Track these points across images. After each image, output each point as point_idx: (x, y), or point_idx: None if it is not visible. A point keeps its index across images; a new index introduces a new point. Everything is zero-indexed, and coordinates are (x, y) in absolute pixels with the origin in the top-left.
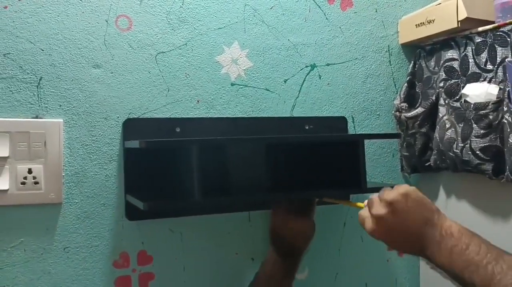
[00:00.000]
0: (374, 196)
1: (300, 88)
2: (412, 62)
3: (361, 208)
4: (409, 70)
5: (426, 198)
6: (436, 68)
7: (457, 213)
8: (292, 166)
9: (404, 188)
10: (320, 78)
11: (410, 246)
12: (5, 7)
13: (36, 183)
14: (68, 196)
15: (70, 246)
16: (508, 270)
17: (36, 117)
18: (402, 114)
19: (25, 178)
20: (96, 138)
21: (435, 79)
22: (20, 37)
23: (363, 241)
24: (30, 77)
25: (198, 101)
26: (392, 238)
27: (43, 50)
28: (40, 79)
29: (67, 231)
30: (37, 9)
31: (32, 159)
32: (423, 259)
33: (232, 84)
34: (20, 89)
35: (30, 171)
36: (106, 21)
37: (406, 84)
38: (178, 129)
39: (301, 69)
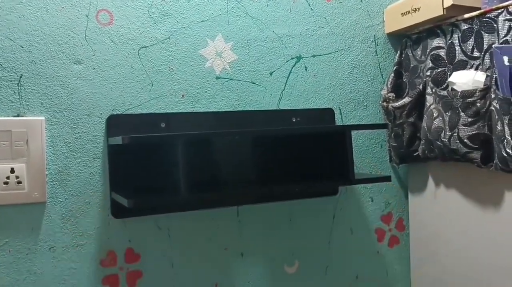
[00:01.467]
0: None
1: (286, 81)
2: (399, 51)
3: None
4: (396, 60)
5: None
6: (423, 57)
7: (446, 202)
8: (279, 159)
9: None
10: (306, 70)
11: None
12: None
13: (19, 182)
14: (52, 195)
15: (56, 245)
16: None
17: (18, 115)
18: (390, 104)
19: (7, 177)
20: (79, 135)
21: (422, 68)
22: None
23: (352, 233)
24: (10, 75)
25: (183, 95)
26: None
27: (22, 47)
28: (20, 77)
29: (53, 231)
30: (16, 5)
31: (14, 158)
32: None
33: (217, 78)
34: (0, 87)
35: (12, 171)
36: (87, 16)
37: (393, 74)
38: (163, 125)
39: (287, 61)
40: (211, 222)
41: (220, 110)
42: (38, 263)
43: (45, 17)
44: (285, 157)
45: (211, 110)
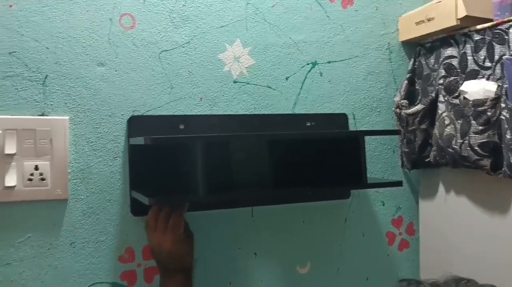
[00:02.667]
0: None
1: (302, 86)
2: (412, 59)
3: None
4: (409, 68)
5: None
6: (436, 65)
7: (456, 208)
8: (294, 162)
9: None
10: (321, 75)
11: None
12: (10, 6)
13: (42, 179)
14: (74, 192)
15: (76, 241)
16: None
17: (42, 115)
18: (402, 111)
19: (31, 174)
20: (101, 135)
21: (435, 76)
22: (25, 36)
23: (364, 236)
24: (36, 75)
25: (201, 98)
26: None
27: (48, 49)
28: (45, 77)
29: (73, 227)
30: (42, 7)
31: (38, 155)
32: None
33: (235, 82)
34: (26, 87)
35: (36, 168)
36: (110, 20)
37: (406, 81)
38: (181, 126)
39: (303, 67)
40: (226, 221)
41: (236, 113)
42: (59, 258)
43: (70, 20)
44: (299, 160)
45: (228, 113)
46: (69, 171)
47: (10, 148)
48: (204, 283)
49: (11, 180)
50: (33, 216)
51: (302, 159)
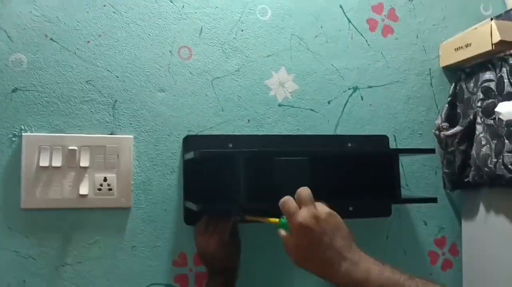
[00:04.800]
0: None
1: (343, 109)
2: (453, 84)
3: (276, 223)
4: (450, 92)
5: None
6: (475, 89)
7: (497, 228)
8: (334, 181)
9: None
10: (362, 99)
11: (324, 261)
12: (88, 42)
13: (110, 189)
14: (136, 202)
15: (137, 245)
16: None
17: (111, 133)
18: (442, 132)
19: (101, 185)
20: (160, 152)
21: (474, 99)
22: (100, 67)
23: (406, 254)
24: (107, 100)
25: (248, 120)
26: (311, 250)
27: (118, 77)
28: (115, 102)
29: (135, 232)
30: (114, 42)
31: (107, 168)
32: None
33: (280, 105)
34: (99, 110)
35: (105, 179)
36: (170, 52)
37: (447, 104)
38: (230, 145)
39: (344, 91)
40: (266, 231)
41: (281, 133)
42: (122, 260)
43: (136, 53)
44: (339, 179)
45: (273, 134)
46: (132, 182)
47: (85, 162)
48: None
49: (84, 189)
50: (101, 221)
51: (342, 178)
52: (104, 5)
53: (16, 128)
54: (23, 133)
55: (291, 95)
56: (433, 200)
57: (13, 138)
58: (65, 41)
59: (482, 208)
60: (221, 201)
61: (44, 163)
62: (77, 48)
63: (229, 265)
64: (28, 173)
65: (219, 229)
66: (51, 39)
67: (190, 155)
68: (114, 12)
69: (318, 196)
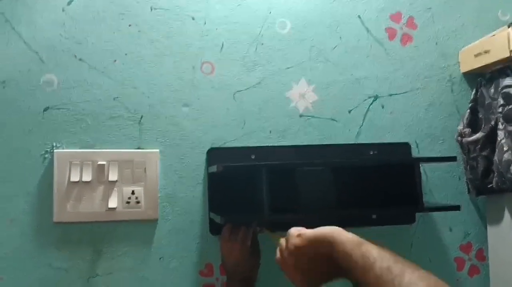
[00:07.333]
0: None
1: (364, 117)
2: (475, 89)
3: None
4: (471, 97)
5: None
6: (496, 95)
7: None
8: (357, 189)
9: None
10: (383, 107)
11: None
12: (115, 61)
13: (137, 202)
14: (163, 214)
15: (164, 256)
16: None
17: (138, 148)
18: (464, 139)
19: (129, 198)
20: (186, 165)
21: (495, 105)
22: (126, 84)
23: (431, 261)
24: (134, 116)
25: (270, 131)
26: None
27: (143, 93)
28: (141, 117)
29: (162, 243)
30: (139, 60)
31: (135, 182)
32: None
33: (301, 116)
34: (126, 126)
35: (133, 192)
36: (193, 68)
37: (468, 110)
38: (253, 156)
39: (364, 100)
40: None
41: (303, 144)
42: (149, 270)
43: (161, 70)
44: (362, 188)
45: (295, 144)
46: (159, 195)
47: (113, 176)
48: None
49: (113, 202)
50: (130, 233)
51: (365, 187)
52: (129, 25)
53: (48, 146)
54: (54, 150)
55: (311, 106)
56: (457, 207)
57: (46, 155)
58: (93, 61)
59: (507, 213)
60: (245, 212)
61: (74, 178)
62: (104, 67)
63: (248, 275)
64: (60, 188)
65: (242, 237)
66: (80, 59)
67: (213, 169)
68: (139, 31)
69: (341, 205)
